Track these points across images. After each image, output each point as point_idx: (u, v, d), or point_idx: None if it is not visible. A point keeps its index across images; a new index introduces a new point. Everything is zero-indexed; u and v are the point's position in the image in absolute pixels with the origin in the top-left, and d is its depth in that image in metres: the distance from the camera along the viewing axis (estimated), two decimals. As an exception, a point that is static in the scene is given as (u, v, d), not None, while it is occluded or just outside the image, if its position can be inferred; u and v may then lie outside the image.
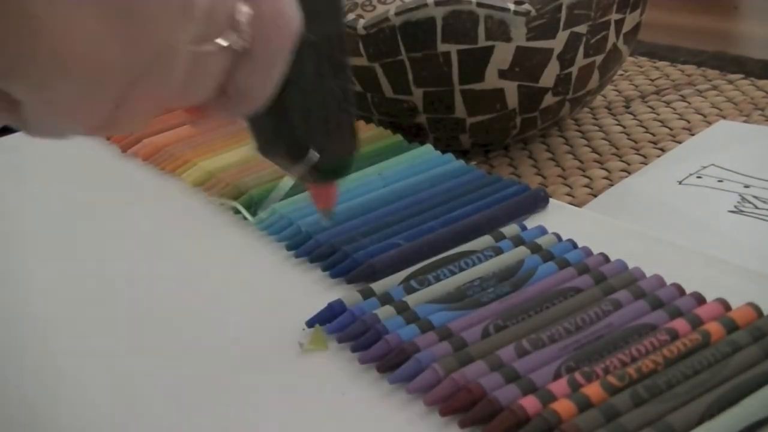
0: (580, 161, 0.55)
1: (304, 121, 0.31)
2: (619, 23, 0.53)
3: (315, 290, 0.38)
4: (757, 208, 0.46)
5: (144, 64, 0.21)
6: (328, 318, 0.34)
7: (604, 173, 0.53)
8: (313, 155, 0.32)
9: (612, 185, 0.51)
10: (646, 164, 0.54)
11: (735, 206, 0.46)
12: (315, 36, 0.28)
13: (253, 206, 0.44)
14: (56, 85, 0.21)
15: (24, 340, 0.37)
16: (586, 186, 0.52)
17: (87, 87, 0.21)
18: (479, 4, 0.48)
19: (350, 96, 0.33)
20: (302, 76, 0.30)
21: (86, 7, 0.20)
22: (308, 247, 0.40)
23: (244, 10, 0.23)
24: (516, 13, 0.48)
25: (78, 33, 0.20)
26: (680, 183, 0.50)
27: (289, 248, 0.41)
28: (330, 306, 0.35)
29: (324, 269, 0.39)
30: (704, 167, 0.51)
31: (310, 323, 0.34)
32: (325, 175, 0.33)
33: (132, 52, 0.21)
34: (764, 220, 0.45)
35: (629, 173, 0.53)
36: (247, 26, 0.23)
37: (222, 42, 0.23)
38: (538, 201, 0.42)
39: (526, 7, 0.48)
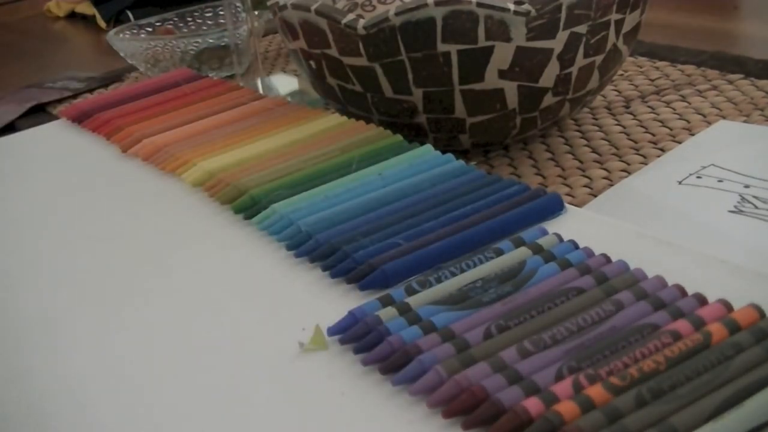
0: (580, 161, 0.55)
1: None
2: (619, 23, 0.53)
3: (315, 290, 0.38)
4: (757, 208, 0.46)
5: None
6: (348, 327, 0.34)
7: (604, 173, 0.53)
8: None
9: (612, 185, 0.51)
10: (646, 164, 0.54)
11: (735, 206, 0.46)
12: None
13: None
14: None
15: (21, 341, 0.37)
16: (586, 186, 0.52)
17: None
18: (479, 4, 0.48)
19: None
20: None
21: None
22: (308, 247, 0.40)
23: None
24: (516, 13, 0.48)
25: None
26: (680, 183, 0.50)
27: (289, 248, 0.41)
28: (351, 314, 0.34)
29: (324, 269, 0.39)
30: (704, 167, 0.51)
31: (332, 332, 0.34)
32: None
33: None
34: (764, 220, 0.45)
35: (629, 173, 0.53)
36: None
37: None
38: (555, 207, 0.41)
39: (526, 7, 0.48)
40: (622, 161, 0.55)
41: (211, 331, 0.36)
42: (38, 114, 0.80)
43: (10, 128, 0.77)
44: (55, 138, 0.61)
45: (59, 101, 0.84)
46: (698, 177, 0.50)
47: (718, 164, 0.51)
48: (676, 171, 0.51)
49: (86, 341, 0.36)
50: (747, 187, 0.48)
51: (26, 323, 0.38)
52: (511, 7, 0.48)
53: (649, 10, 0.57)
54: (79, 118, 0.63)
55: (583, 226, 0.40)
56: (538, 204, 0.41)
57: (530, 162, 0.56)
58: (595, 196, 0.50)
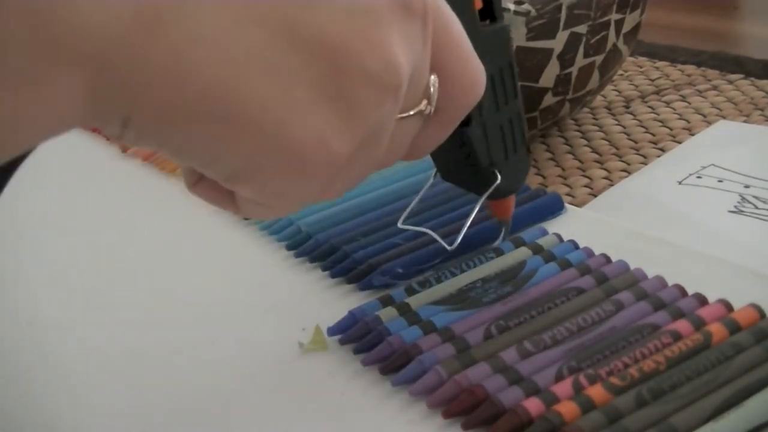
0: (580, 161, 0.55)
1: (486, 150, 0.34)
2: (619, 23, 0.53)
3: (315, 290, 0.38)
4: (757, 208, 0.46)
5: (360, 145, 0.23)
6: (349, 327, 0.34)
7: (604, 173, 0.53)
8: (497, 179, 0.34)
9: (612, 185, 0.51)
10: (646, 164, 0.54)
11: (735, 206, 0.46)
12: (490, 72, 0.30)
13: None
14: (285, 186, 0.23)
15: (20, 342, 0.37)
16: (586, 186, 0.52)
17: (310, 181, 0.23)
18: (479, 4, 0.48)
19: (522, 117, 0.35)
20: (481, 111, 0.33)
21: (315, 106, 0.21)
22: (308, 247, 0.40)
23: (434, 80, 0.25)
24: (516, 13, 0.48)
25: (308, 132, 0.21)
26: (680, 183, 0.50)
27: (289, 248, 0.41)
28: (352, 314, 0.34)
29: (324, 269, 0.39)
30: (704, 167, 0.51)
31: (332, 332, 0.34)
32: (506, 193, 0.36)
33: (353, 137, 0.22)
34: (764, 220, 0.45)
35: (629, 173, 0.53)
36: (436, 93, 0.25)
37: (418, 110, 0.25)
38: (555, 207, 0.41)
39: (526, 7, 0.48)
40: (622, 161, 0.55)
41: (211, 330, 0.36)
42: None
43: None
44: (54, 138, 0.61)
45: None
46: (698, 177, 0.50)
47: (718, 164, 0.51)
48: (676, 171, 0.51)
49: (84, 340, 0.36)
50: (747, 187, 0.48)
51: (25, 323, 0.38)
52: (511, 7, 0.48)
53: (649, 10, 0.57)
54: (79, 118, 0.63)
55: (583, 226, 0.40)
56: (538, 204, 0.41)
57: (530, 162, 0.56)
58: (595, 196, 0.50)
